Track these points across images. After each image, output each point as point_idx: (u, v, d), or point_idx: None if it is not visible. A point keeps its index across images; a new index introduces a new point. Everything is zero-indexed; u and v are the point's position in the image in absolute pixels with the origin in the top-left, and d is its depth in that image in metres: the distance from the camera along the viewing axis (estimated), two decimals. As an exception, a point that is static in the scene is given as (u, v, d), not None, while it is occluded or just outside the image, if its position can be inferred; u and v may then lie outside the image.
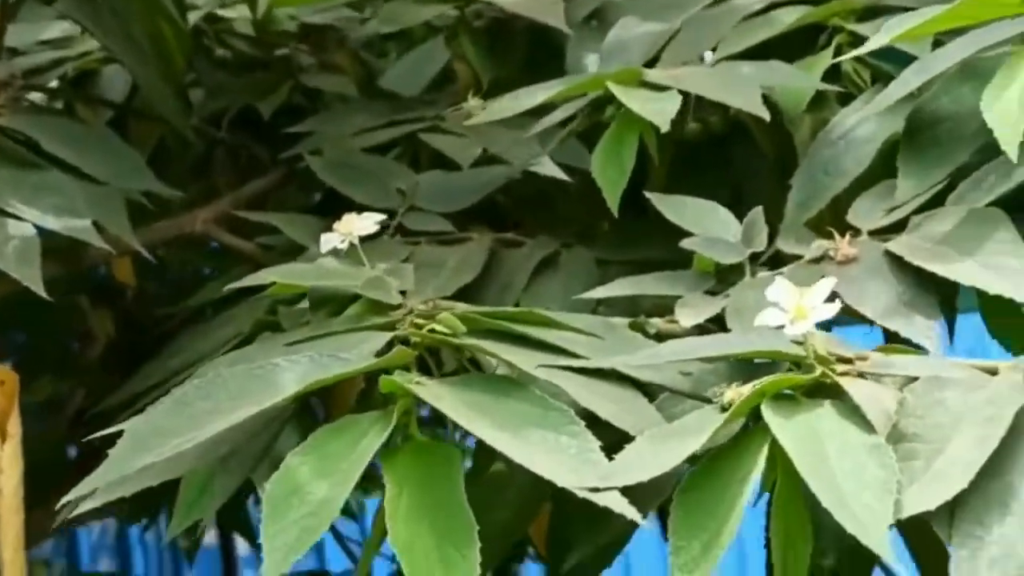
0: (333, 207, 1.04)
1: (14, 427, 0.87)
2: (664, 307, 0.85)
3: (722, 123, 1.04)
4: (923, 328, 0.73)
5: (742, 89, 0.92)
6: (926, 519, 0.60)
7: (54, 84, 1.27)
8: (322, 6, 1.36)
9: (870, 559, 0.68)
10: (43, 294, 0.90)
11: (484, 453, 0.81)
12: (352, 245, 0.89)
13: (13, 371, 0.89)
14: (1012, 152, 0.74)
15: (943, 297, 0.78)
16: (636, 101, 0.89)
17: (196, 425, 0.68)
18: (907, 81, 0.84)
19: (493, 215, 1.09)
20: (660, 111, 0.88)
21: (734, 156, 1.07)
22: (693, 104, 0.99)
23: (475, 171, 1.08)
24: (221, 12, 1.35)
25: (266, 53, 1.37)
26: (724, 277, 0.86)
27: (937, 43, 0.87)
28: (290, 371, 0.70)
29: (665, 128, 0.87)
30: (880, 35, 0.85)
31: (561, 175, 1.03)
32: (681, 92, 0.92)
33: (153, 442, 0.68)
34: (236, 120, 1.28)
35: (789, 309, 0.68)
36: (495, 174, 1.08)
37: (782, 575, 0.65)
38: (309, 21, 1.36)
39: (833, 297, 0.68)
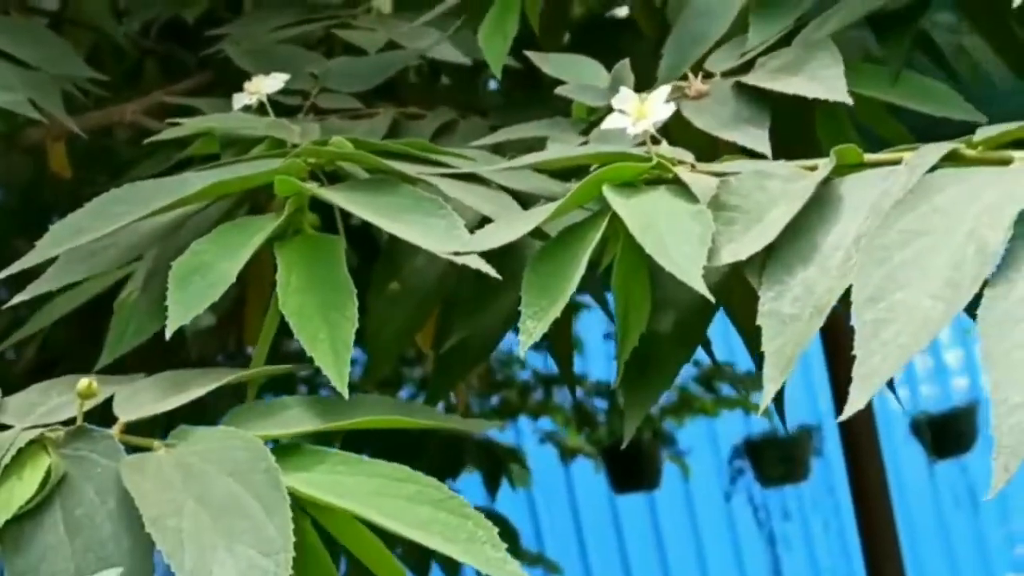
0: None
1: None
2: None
3: (601, 6, 1.15)
4: (756, 136, 0.83)
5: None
6: (740, 269, 0.70)
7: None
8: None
9: (701, 321, 0.77)
10: None
11: (382, 273, 0.91)
12: (261, 103, 0.98)
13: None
14: None
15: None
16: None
17: (112, 221, 0.77)
18: None
19: (398, 97, 1.19)
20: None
21: (619, 40, 1.17)
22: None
23: (381, 55, 1.18)
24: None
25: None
26: (595, 124, 0.96)
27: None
28: (199, 180, 0.79)
29: None
30: None
31: (456, 58, 1.13)
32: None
33: (71, 237, 0.77)
34: (162, 30, 1.38)
35: (631, 112, 0.78)
36: (399, 56, 1.18)
37: (623, 335, 0.74)
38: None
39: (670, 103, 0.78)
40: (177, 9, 1.36)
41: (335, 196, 0.77)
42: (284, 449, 0.70)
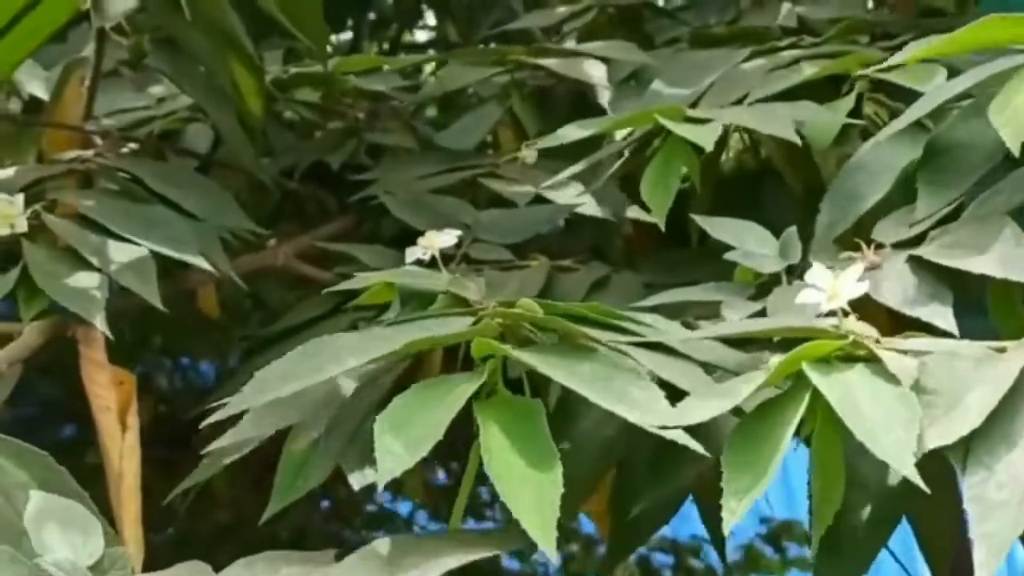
0: (402, 245, 1.16)
1: (132, 420, 0.98)
2: (708, 318, 0.96)
3: (755, 161, 1.17)
4: (940, 312, 0.84)
5: (776, 121, 1.03)
6: (943, 453, 0.71)
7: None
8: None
9: (898, 508, 0.78)
10: (159, 306, 1.01)
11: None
12: (433, 258, 1.00)
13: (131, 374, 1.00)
14: (1015, 147, 0.84)
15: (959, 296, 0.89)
16: (681, 129, 1.01)
17: (317, 369, 0.79)
18: (920, 107, 0.94)
19: (547, 249, 1.21)
20: (704, 134, 1.00)
21: (765, 193, 1.19)
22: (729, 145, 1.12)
23: (531, 208, 1.20)
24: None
25: (328, 116, 1.49)
26: (762, 288, 0.97)
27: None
28: (399, 334, 0.81)
29: (709, 148, 0.98)
30: (897, 56, 0.96)
31: (601, 213, 1.16)
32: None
33: (277, 383, 0.79)
34: (305, 175, 1.41)
35: (825, 288, 0.79)
36: (552, 211, 1.20)
37: (819, 511, 0.75)
38: (366, 88, 1.48)
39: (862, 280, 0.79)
40: (322, 154, 1.38)
41: (534, 360, 0.78)
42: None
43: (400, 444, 0.73)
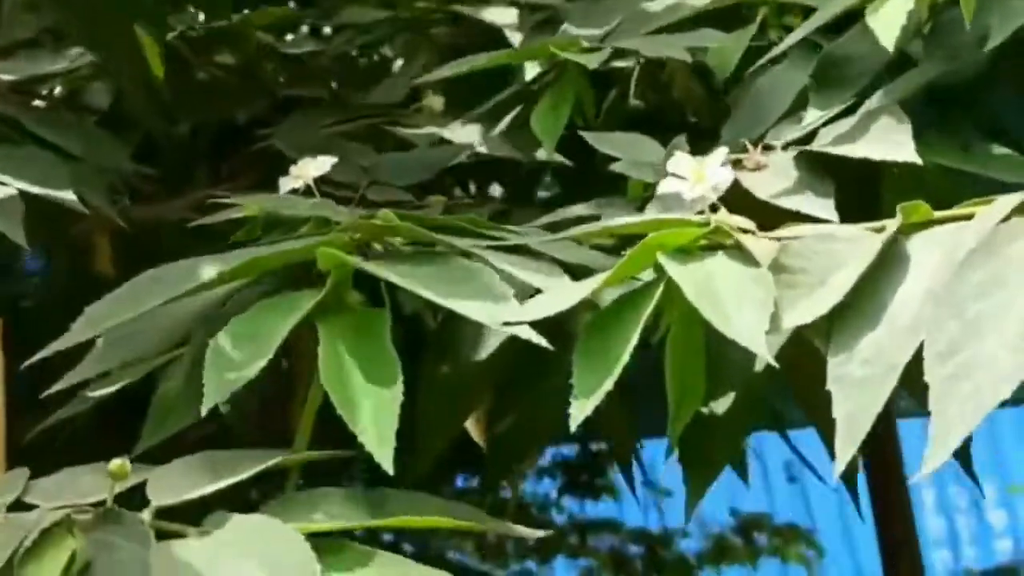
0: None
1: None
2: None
3: (659, 99, 1.12)
4: (821, 204, 0.79)
5: (670, 47, 0.99)
6: (804, 332, 0.66)
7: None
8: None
9: (758, 397, 0.73)
10: (24, 244, 0.96)
11: (431, 359, 0.87)
12: (308, 186, 0.96)
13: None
14: (889, 44, 0.80)
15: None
16: (571, 55, 0.97)
17: (151, 300, 0.74)
18: (812, 22, 0.92)
19: (448, 193, 1.17)
20: (591, 57, 0.96)
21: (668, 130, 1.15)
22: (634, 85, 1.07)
23: (432, 149, 1.16)
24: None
25: (245, 76, 1.45)
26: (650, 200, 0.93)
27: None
28: (240, 257, 0.77)
29: (592, 66, 0.94)
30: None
31: (507, 152, 1.11)
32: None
33: (108, 318, 0.74)
34: (216, 135, 1.36)
35: (688, 175, 0.74)
36: (450, 150, 1.15)
37: (676, 410, 0.71)
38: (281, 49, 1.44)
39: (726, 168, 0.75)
40: (228, 112, 1.34)
41: (380, 268, 0.73)
42: (326, 545, 0.66)
43: (239, 354, 0.69)
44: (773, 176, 0.85)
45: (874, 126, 0.81)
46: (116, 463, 0.67)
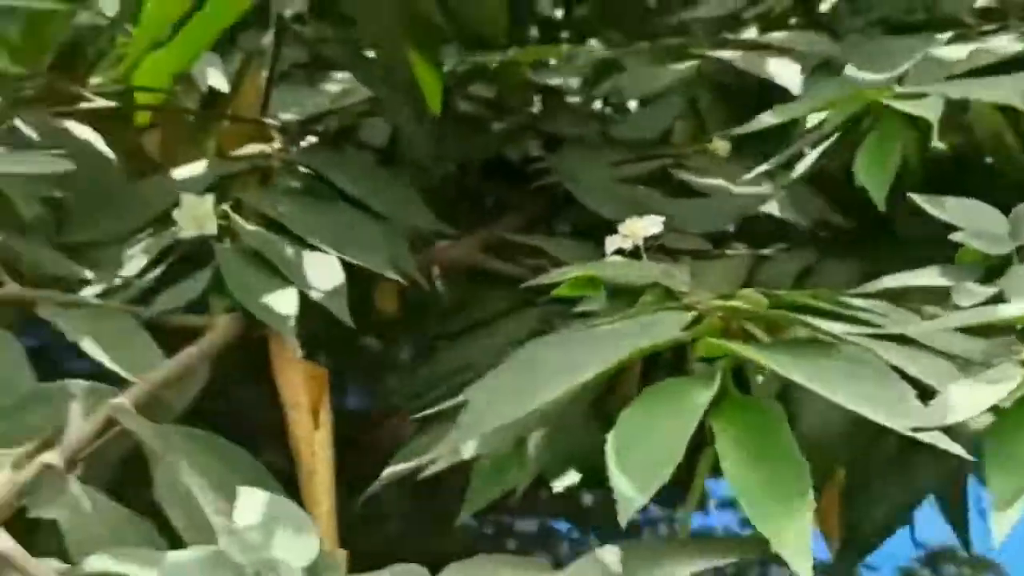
0: (584, 237, 1.11)
1: (325, 415, 0.95)
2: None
3: (966, 144, 1.09)
4: None
5: (1003, 89, 0.96)
6: None
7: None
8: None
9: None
10: (350, 324, 0.98)
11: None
12: (636, 246, 0.95)
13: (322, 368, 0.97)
14: None
15: None
16: (900, 104, 0.94)
17: (533, 393, 0.73)
18: None
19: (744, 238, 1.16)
20: (925, 107, 0.93)
21: (971, 178, 1.12)
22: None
23: (725, 199, 1.15)
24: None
25: (502, 111, 1.44)
26: (990, 272, 0.90)
27: None
28: (614, 338, 0.76)
29: (933, 120, 0.92)
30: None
31: (791, 216, 1.10)
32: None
33: (495, 413, 0.74)
34: (481, 171, 1.37)
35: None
36: (750, 200, 1.14)
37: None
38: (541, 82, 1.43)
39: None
40: (499, 148, 1.34)
41: (767, 359, 0.72)
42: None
43: (638, 470, 0.68)
44: None
45: None
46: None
